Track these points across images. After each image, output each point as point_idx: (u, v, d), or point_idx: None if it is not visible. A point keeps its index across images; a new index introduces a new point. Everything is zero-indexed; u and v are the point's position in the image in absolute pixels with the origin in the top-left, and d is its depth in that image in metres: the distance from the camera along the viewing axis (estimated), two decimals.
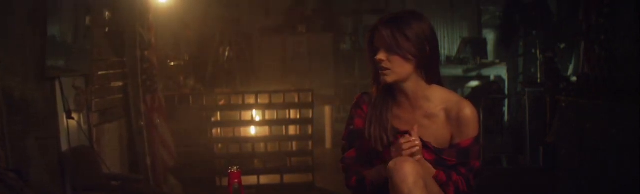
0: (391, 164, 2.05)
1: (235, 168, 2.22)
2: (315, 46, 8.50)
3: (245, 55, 8.01)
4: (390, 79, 2.16)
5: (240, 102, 5.52)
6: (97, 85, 3.95)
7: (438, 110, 2.20)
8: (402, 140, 2.10)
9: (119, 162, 4.32)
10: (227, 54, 7.37)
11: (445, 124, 2.20)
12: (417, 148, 2.08)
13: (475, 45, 8.59)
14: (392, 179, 2.02)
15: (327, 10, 8.74)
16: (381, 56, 2.14)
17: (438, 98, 2.21)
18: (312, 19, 8.66)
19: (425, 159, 2.14)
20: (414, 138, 2.09)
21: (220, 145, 5.60)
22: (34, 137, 3.18)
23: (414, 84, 2.19)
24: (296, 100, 5.63)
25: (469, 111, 2.18)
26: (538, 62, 7.13)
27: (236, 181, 2.20)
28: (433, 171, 2.16)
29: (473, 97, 7.21)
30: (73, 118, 3.48)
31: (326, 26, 8.70)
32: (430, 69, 2.18)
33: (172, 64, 6.15)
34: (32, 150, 3.16)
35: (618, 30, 3.89)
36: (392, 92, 2.24)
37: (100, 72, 4.07)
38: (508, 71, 8.44)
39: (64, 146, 3.43)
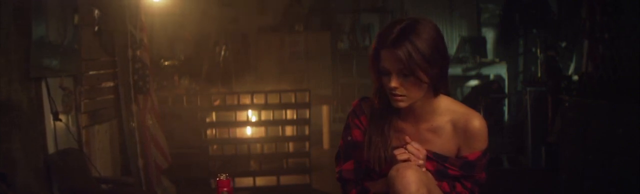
0: (393, 171, 1.92)
1: (225, 175, 2.10)
2: (313, 45, 8.41)
3: (242, 54, 7.92)
4: (405, 104, 1.97)
5: (236, 102, 5.43)
6: (86, 85, 3.84)
7: (444, 122, 2.05)
8: (395, 151, 1.98)
9: (110, 164, 4.22)
10: (223, 53, 7.28)
11: (451, 136, 2.05)
12: (413, 156, 1.96)
13: (475, 44, 8.52)
14: (393, 187, 1.90)
15: (324, 9, 8.65)
16: (395, 83, 1.92)
17: (444, 110, 2.05)
18: (309, 18, 8.57)
19: (427, 170, 2.01)
20: (410, 148, 1.97)
21: (215, 146, 5.51)
22: (19, 140, 3.08)
23: (422, 99, 2.01)
24: (293, 100, 5.54)
25: (477, 122, 2.03)
26: (538, 60, 7.04)
27: (225, 189, 2.08)
28: (435, 181, 2.03)
29: (473, 96, 7.12)
30: (60, 120, 3.37)
31: (324, 25, 8.61)
32: (441, 81, 1.98)
33: (167, 63, 6.05)
34: (17, 153, 3.06)
35: (622, 28, 3.79)
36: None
37: (90, 72, 3.96)
38: (508, 69, 8.36)
39: (51, 149, 3.33)
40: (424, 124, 2.07)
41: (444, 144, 2.06)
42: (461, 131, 2.04)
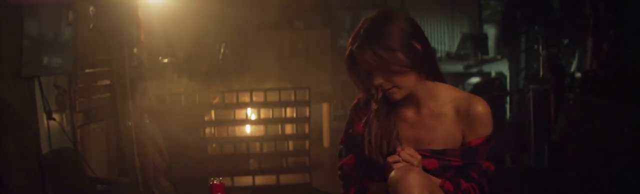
0: (394, 174, 1.86)
1: (218, 179, 2.05)
2: (313, 42, 8.35)
3: (241, 52, 7.87)
4: (399, 96, 1.98)
5: (235, 100, 5.37)
6: (81, 84, 3.78)
7: (447, 109, 2.02)
8: (389, 159, 1.93)
9: (106, 164, 4.16)
10: (222, 50, 7.21)
11: (455, 123, 2.01)
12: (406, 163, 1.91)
13: (476, 41, 8.48)
14: (394, 191, 1.84)
15: (324, 6, 8.59)
16: (378, 80, 1.94)
17: (446, 96, 2.04)
18: (309, 15, 8.51)
19: (429, 169, 1.96)
20: (404, 155, 1.92)
21: (213, 145, 5.45)
22: (12, 140, 3.02)
23: (420, 85, 1.99)
24: (292, 98, 5.48)
25: (481, 107, 2.00)
26: (540, 58, 6.98)
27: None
28: (438, 180, 1.98)
29: (474, 94, 7.07)
30: (54, 119, 3.31)
31: (324, 22, 8.55)
32: (429, 65, 1.97)
33: (165, 61, 5.99)
34: (9, 153, 3.01)
35: (627, 26, 3.74)
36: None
37: (85, 71, 3.90)
38: (510, 67, 8.31)
39: (45, 149, 3.27)
40: (426, 111, 2.04)
41: (448, 131, 2.02)
42: (464, 115, 2.00)
